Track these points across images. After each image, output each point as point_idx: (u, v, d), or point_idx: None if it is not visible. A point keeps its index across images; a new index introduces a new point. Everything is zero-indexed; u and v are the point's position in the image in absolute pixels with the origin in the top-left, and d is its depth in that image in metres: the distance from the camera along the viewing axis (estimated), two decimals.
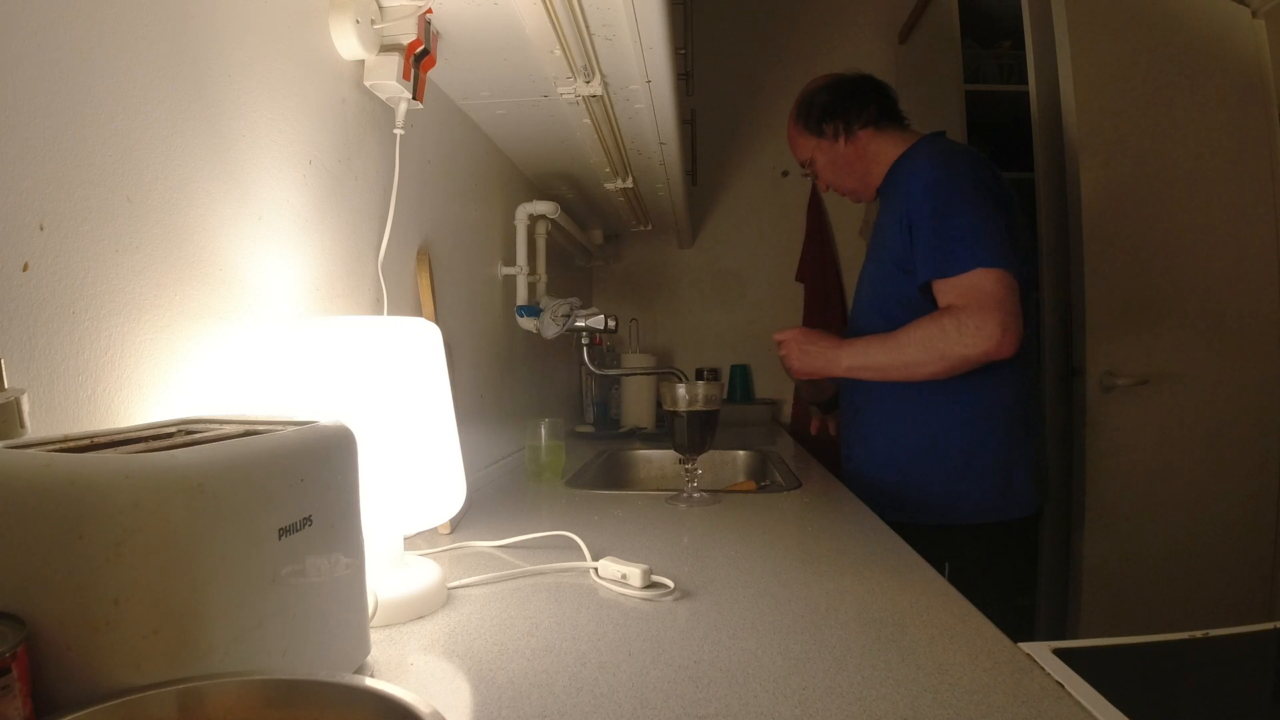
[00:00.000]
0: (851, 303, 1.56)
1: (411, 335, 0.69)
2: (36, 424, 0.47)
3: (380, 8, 0.89)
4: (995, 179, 1.27)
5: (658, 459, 1.81)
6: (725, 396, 2.68)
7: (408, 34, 0.90)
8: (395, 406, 0.67)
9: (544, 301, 1.61)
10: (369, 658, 0.56)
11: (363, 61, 0.90)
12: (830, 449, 1.62)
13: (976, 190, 1.23)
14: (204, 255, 0.63)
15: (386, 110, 0.97)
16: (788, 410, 2.67)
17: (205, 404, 0.63)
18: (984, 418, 1.28)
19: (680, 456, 1.21)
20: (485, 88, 1.22)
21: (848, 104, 1.42)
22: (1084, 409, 1.68)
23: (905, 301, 1.27)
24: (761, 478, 1.67)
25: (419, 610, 0.66)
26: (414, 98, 0.95)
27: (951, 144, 1.37)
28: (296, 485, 0.44)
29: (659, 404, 2.36)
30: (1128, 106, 1.74)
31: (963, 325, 1.17)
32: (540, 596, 0.71)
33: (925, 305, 1.24)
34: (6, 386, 0.44)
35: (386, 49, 0.90)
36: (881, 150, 1.41)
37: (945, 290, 1.20)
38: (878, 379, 1.30)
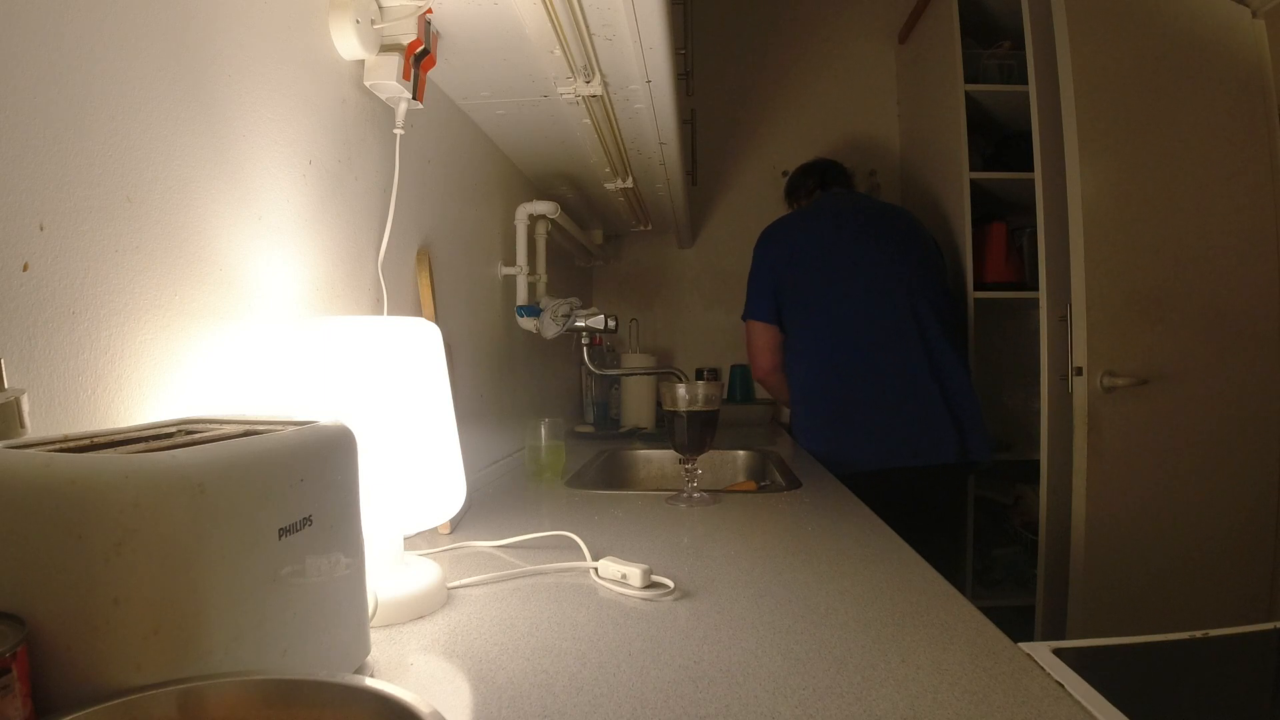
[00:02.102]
0: None
1: (411, 335, 0.69)
2: (36, 424, 0.47)
3: (380, 8, 0.89)
4: (778, 243, 1.88)
5: (658, 459, 1.81)
6: (725, 396, 2.68)
7: (408, 34, 0.90)
8: (395, 406, 0.67)
9: (544, 301, 1.61)
10: (369, 658, 0.56)
11: (363, 61, 0.90)
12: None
13: (758, 260, 1.91)
14: (204, 255, 0.63)
15: (386, 110, 0.97)
16: (787, 410, 2.67)
17: (205, 404, 0.63)
18: (798, 401, 1.89)
19: (680, 456, 1.21)
20: (485, 88, 1.22)
21: (801, 179, 2.09)
22: (1084, 409, 1.68)
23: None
24: (761, 478, 1.67)
25: (419, 610, 0.66)
26: (414, 98, 0.95)
27: (799, 211, 2.00)
28: (296, 485, 0.44)
29: (659, 404, 2.36)
30: (1128, 106, 1.74)
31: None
32: (540, 596, 0.71)
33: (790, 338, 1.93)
34: (6, 386, 0.44)
35: (386, 49, 0.90)
36: None
37: None
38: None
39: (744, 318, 1.91)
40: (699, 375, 2.64)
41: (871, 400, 1.73)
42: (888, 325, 1.75)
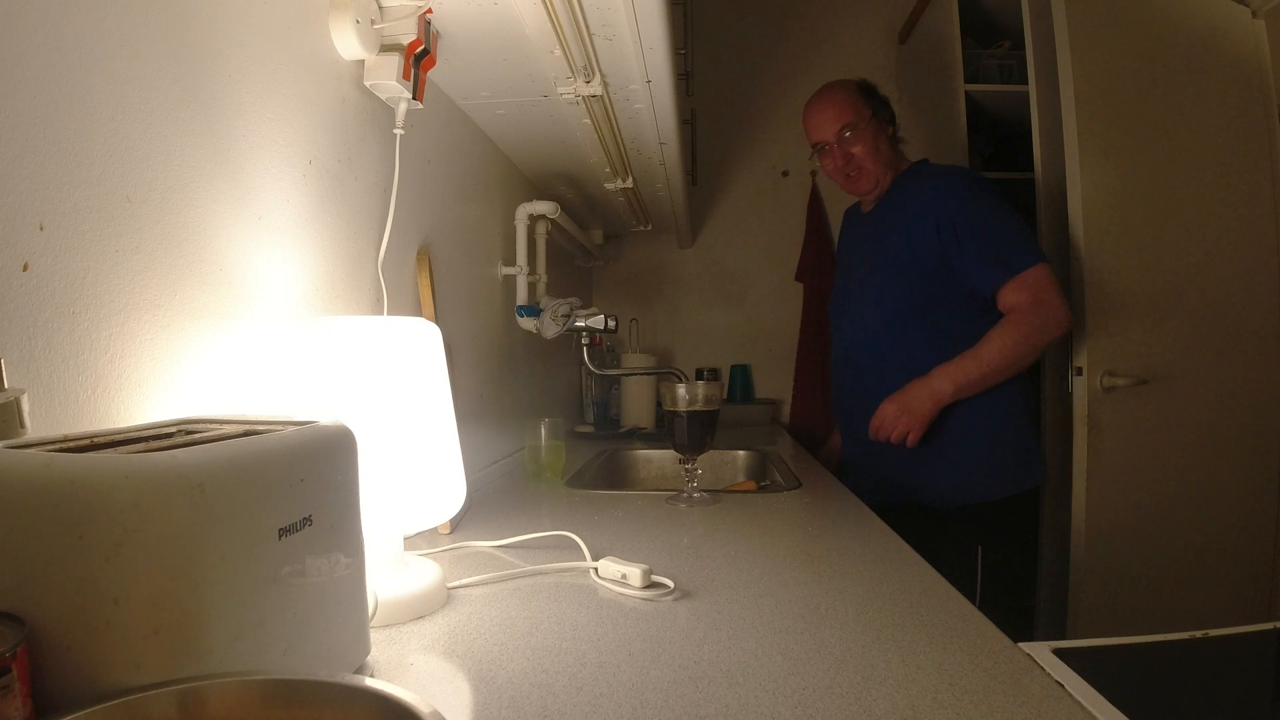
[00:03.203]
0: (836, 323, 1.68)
1: (411, 335, 0.69)
2: (36, 424, 0.47)
3: (380, 8, 0.89)
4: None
5: (658, 459, 1.81)
6: (725, 396, 2.68)
7: (408, 34, 0.90)
8: (395, 406, 0.67)
9: (544, 301, 1.61)
10: (369, 658, 0.56)
11: (363, 61, 0.90)
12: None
13: (1002, 199, 1.43)
14: (204, 255, 0.63)
15: (386, 110, 0.97)
16: (787, 410, 2.67)
17: (205, 404, 0.63)
18: (1005, 401, 1.44)
19: (680, 456, 1.21)
20: (485, 88, 1.22)
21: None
22: (1084, 409, 1.68)
23: (943, 302, 1.43)
24: (761, 478, 1.67)
25: (419, 610, 0.66)
26: (414, 98, 0.95)
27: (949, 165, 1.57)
28: (296, 485, 0.44)
29: (659, 404, 2.36)
30: (1128, 106, 1.74)
31: (1045, 316, 1.36)
32: (540, 596, 0.71)
33: (967, 303, 1.42)
34: (6, 386, 0.44)
35: (386, 49, 0.90)
36: (897, 160, 1.58)
37: (1016, 288, 1.37)
38: (979, 390, 1.40)
39: (1031, 263, 1.38)
40: (699, 375, 2.64)
41: None
42: None
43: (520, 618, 0.65)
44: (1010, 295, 1.38)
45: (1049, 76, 1.74)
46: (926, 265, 1.43)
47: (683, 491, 1.19)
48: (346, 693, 0.34)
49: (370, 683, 0.33)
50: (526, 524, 0.99)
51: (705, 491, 1.21)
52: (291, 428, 0.47)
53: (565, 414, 2.21)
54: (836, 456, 1.79)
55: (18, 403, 0.43)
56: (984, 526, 1.41)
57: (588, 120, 1.34)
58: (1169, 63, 1.80)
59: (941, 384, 1.39)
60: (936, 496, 1.44)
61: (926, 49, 2.40)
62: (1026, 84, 1.82)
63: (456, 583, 0.74)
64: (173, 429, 0.47)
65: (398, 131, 0.96)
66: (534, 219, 1.63)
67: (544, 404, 1.94)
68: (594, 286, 2.80)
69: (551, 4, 0.92)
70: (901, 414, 1.41)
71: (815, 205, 2.66)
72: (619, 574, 0.74)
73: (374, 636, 0.60)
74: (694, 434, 1.19)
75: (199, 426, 0.48)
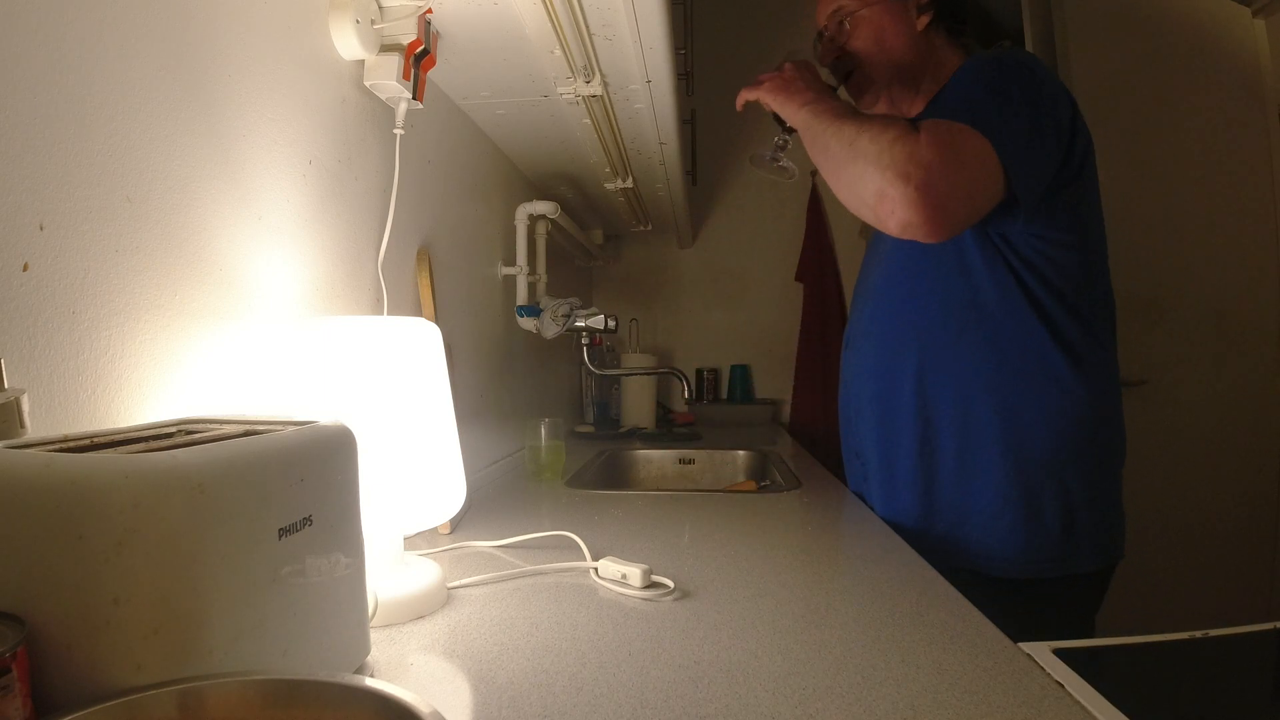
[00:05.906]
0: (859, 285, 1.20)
1: (411, 335, 0.69)
2: (36, 424, 0.47)
3: (380, 8, 0.89)
4: (1068, 99, 0.92)
5: (658, 459, 1.80)
6: (725, 397, 2.68)
7: (408, 34, 0.90)
8: (395, 406, 0.67)
9: (544, 301, 1.61)
10: (369, 658, 0.56)
11: (363, 61, 0.90)
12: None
13: (1027, 88, 0.87)
14: (204, 255, 0.63)
15: (386, 110, 0.97)
16: (787, 410, 2.67)
17: (205, 404, 0.63)
18: (1047, 434, 0.98)
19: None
20: (485, 88, 1.22)
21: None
22: None
23: (949, 267, 0.97)
24: (761, 478, 1.67)
25: (419, 610, 0.66)
26: (414, 98, 0.95)
27: (1018, 53, 0.96)
28: (296, 485, 0.44)
29: (659, 404, 2.36)
30: (1128, 107, 1.74)
31: (912, 142, 0.82)
32: (540, 596, 0.71)
33: (980, 271, 0.96)
34: (6, 386, 0.44)
35: (386, 49, 0.90)
36: (946, 62, 1.04)
37: (931, 126, 0.85)
38: (817, 154, 0.97)
39: (965, 120, 0.85)
40: (699, 375, 2.65)
41: None
42: None
43: (520, 618, 0.65)
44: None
45: None
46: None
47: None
48: (346, 693, 0.34)
49: (370, 683, 0.33)
50: (526, 524, 0.99)
51: (705, 491, 1.21)
52: (291, 428, 0.47)
53: (565, 414, 2.21)
54: None
55: (18, 403, 0.43)
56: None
57: (588, 120, 1.34)
58: (1169, 63, 1.80)
59: (813, 104, 0.99)
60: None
61: None
62: None
63: (456, 583, 0.74)
64: (173, 429, 0.47)
65: (398, 131, 0.96)
66: (534, 219, 1.63)
67: (544, 404, 1.94)
68: (594, 286, 2.80)
69: (551, 4, 0.92)
70: (783, 79, 1.07)
71: (815, 205, 2.67)
72: (619, 574, 0.74)
73: (374, 636, 0.60)
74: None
75: (199, 426, 0.48)
